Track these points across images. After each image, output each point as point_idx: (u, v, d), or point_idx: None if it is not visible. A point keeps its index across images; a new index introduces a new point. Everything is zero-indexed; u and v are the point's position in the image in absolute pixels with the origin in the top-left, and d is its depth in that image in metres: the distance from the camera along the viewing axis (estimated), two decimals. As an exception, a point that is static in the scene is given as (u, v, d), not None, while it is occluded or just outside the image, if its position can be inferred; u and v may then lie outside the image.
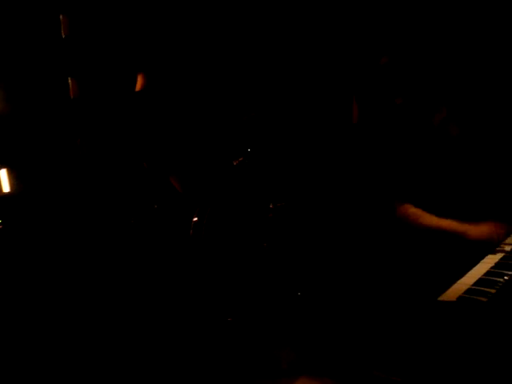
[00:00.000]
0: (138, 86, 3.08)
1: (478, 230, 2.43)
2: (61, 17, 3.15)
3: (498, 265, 2.25)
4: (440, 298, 1.94)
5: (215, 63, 3.32)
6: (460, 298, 1.94)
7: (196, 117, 3.11)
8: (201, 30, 3.33)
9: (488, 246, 2.37)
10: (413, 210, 2.59)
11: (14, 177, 3.07)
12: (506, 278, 2.08)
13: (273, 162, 3.02)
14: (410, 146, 2.66)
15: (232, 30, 3.37)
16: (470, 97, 2.74)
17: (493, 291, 1.97)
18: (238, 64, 3.37)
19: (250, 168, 2.86)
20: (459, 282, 2.12)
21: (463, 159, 2.67)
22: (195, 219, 2.82)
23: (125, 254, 2.98)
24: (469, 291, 2.00)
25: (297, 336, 2.52)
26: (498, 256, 2.35)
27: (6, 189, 3.05)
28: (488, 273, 2.18)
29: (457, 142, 2.68)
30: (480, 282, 2.09)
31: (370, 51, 3.06)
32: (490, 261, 2.31)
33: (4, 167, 3.05)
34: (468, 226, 2.46)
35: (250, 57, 3.39)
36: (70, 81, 3.16)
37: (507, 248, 2.44)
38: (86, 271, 2.97)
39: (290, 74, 3.41)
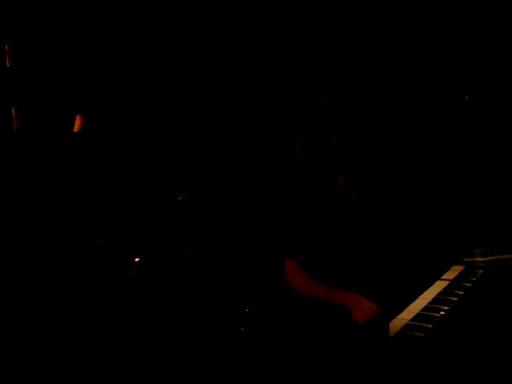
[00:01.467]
0: (77, 127, 3.05)
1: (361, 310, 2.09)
2: (6, 46, 3.12)
3: (435, 300, 2.32)
4: (379, 334, 1.98)
5: (151, 105, 3.34)
6: (398, 333, 1.99)
7: (136, 156, 3.11)
8: (136, 75, 3.35)
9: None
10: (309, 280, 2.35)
11: None
12: (442, 312, 2.15)
13: (218, 197, 3.03)
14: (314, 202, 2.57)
15: (163, 77, 3.41)
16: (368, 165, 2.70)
17: (429, 326, 2.03)
18: (178, 107, 3.40)
19: (195, 202, 2.87)
20: (398, 317, 2.17)
21: (387, 214, 2.65)
22: (137, 259, 2.79)
23: (65, 290, 2.91)
24: (407, 326, 2.05)
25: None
26: (436, 291, 2.42)
27: None
28: (426, 308, 2.24)
29: (356, 208, 2.56)
30: (418, 317, 2.14)
31: (311, 90, 3.16)
32: (428, 296, 2.38)
33: None
34: (357, 300, 2.15)
35: (188, 99, 3.43)
36: (13, 111, 3.11)
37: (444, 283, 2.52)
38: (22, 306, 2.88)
39: (237, 113, 3.47)
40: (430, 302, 2.29)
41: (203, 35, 3.44)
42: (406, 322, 2.09)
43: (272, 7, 3.48)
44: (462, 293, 2.37)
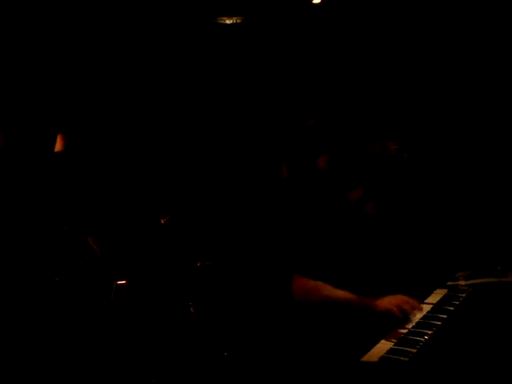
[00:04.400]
0: (58, 147, 3.04)
1: (386, 301, 2.35)
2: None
3: (418, 324, 2.32)
4: (363, 359, 1.97)
5: (133, 125, 3.35)
6: (382, 357, 1.98)
7: (118, 177, 3.10)
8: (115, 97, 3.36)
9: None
10: (313, 283, 2.47)
11: None
12: (426, 337, 2.14)
13: (201, 220, 3.03)
14: (324, 217, 2.64)
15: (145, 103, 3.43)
16: (386, 178, 2.77)
17: (414, 351, 2.02)
18: (160, 131, 3.41)
19: (177, 226, 2.85)
20: (382, 341, 2.16)
21: (375, 238, 2.69)
22: (117, 282, 2.77)
23: (47, 312, 2.87)
24: (391, 351, 2.04)
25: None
26: (419, 315, 2.42)
27: None
28: (409, 332, 2.23)
29: (371, 220, 2.67)
30: (402, 341, 2.14)
31: (298, 115, 3.19)
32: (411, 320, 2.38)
33: None
34: (374, 299, 2.38)
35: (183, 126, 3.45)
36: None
37: (427, 307, 2.52)
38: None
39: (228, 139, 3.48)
40: (413, 326, 2.29)
41: (184, 60, 3.47)
42: (391, 346, 2.09)
43: (257, 35, 3.53)
44: (445, 317, 2.38)
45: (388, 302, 2.35)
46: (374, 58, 3.52)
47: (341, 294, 2.42)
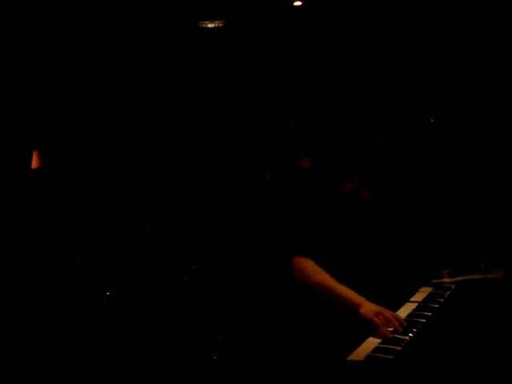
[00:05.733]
0: (34, 164, 3.02)
1: (369, 309, 2.29)
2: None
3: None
4: (349, 358, 1.99)
5: (112, 131, 3.34)
6: (368, 356, 2.00)
7: (95, 191, 3.10)
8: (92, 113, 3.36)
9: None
10: (311, 264, 2.48)
11: None
12: (410, 335, 2.17)
13: (186, 226, 3.03)
14: (320, 206, 2.70)
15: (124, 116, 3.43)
16: (381, 164, 2.85)
17: (399, 348, 2.04)
18: (141, 138, 3.41)
19: (162, 233, 2.86)
20: (368, 340, 2.18)
21: (372, 223, 2.75)
22: (108, 293, 2.77)
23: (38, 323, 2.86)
24: (376, 349, 2.06)
25: None
26: (405, 313, 2.45)
27: None
28: (394, 330, 2.25)
29: (367, 206, 2.74)
30: (387, 340, 2.16)
31: (279, 118, 3.21)
32: (397, 318, 2.40)
33: None
34: (362, 301, 2.33)
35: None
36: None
37: (412, 306, 2.55)
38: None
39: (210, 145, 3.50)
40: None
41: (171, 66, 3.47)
42: (376, 345, 2.11)
43: (239, 37, 3.54)
44: (429, 314, 2.40)
45: (371, 310, 2.29)
46: (354, 59, 3.55)
47: (332, 283, 2.41)
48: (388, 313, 2.27)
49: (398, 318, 2.27)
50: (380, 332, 2.21)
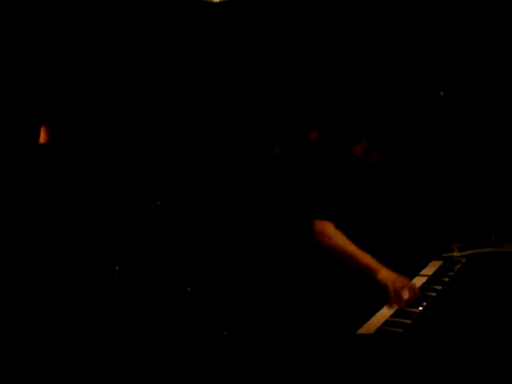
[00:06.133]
0: (42, 139, 3.02)
1: (386, 275, 2.34)
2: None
3: (414, 296, 2.34)
4: (359, 331, 2.00)
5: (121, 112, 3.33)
6: (378, 330, 2.01)
7: (105, 165, 3.09)
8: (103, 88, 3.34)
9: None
10: (330, 227, 2.53)
11: None
12: (420, 308, 2.17)
13: (195, 202, 3.03)
14: (333, 173, 2.73)
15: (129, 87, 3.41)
16: (387, 130, 2.89)
17: (409, 322, 2.05)
18: (151, 111, 3.40)
19: (171, 210, 2.86)
20: (378, 313, 2.20)
21: (383, 186, 2.78)
22: (117, 267, 2.78)
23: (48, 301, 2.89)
24: (386, 323, 2.07)
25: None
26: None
27: None
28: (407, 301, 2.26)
29: (377, 170, 2.78)
30: (397, 313, 2.17)
31: (287, 92, 3.18)
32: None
33: None
34: (380, 268, 2.38)
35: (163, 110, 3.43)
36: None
37: (423, 279, 2.55)
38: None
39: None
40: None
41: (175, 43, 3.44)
42: (386, 318, 2.12)
43: (245, 11, 3.50)
44: (439, 288, 2.40)
45: (389, 276, 2.34)
46: (363, 29, 3.50)
47: (351, 248, 2.46)
48: (404, 282, 2.31)
49: (412, 287, 2.30)
50: (392, 300, 2.24)
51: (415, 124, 3.35)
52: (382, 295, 2.33)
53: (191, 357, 2.67)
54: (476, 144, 3.52)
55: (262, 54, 3.49)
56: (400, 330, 1.98)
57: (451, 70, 3.54)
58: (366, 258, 2.41)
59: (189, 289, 2.74)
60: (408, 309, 2.19)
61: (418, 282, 2.52)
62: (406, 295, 2.25)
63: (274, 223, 2.80)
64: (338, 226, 2.54)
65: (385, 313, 2.19)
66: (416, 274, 2.65)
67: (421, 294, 2.32)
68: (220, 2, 3.36)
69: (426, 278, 2.57)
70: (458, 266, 2.70)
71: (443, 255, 2.91)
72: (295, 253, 2.68)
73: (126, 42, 3.46)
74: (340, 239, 2.49)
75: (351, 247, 2.46)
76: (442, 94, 3.62)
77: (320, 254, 2.56)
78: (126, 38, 3.45)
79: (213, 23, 3.47)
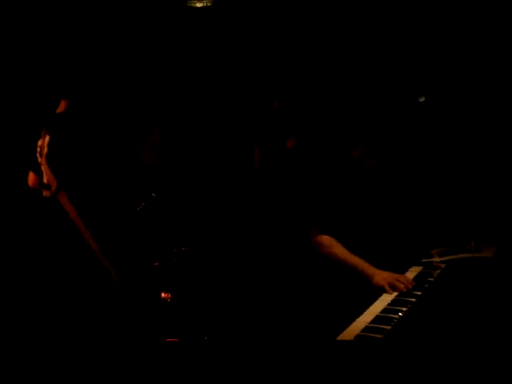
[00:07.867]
0: (60, 108, 3.01)
1: (381, 278, 2.51)
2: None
3: (394, 302, 2.35)
4: (339, 338, 1.99)
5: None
6: (357, 336, 2.00)
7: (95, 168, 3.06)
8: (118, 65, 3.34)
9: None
10: (326, 238, 2.67)
11: None
12: (400, 314, 2.18)
13: (177, 207, 3.01)
14: (329, 177, 2.78)
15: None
16: (385, 134, 2.93)
17: (388, 328, 2.05)
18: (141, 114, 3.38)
19: (153, 213, 2.84)
20: (358, 320, 2.19)
21: (378, 190, 2.83)
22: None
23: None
24: (366, 329, 2.07)
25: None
26: (395, 293, 2.46)
27: None
28: (385, 310, 2.26)
29: (372, 172, 2.87)
30: (377, 319, 2.17)
31: (263, 100, 3.19)
32: (386, 298, 2.41)
33: None
34: (375, 271, 2.55)
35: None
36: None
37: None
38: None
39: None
40: (388, 304, 2.32)
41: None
42: (366, 324, 2.11)
43: (224, 17, 3.50)
44: (419, 293, 2.41)
45: (383, 278, 2.49)
46: (343, 35, 3.51)
47: (346, 255, 2.63)
48: (395, 275, 2.51)
49: (405, 277, 2.52)
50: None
51: (398, 134, 3.38)
52: (362, 301, 2.34)
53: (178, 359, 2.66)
54: (456, 151, 3.55)
55: (240, 60, 3.50)
56: (380, 336, 1.97)
57: (443, 75, 3.57)
58: (361, 264, 2.59)
59: (165, 294, 2.72)
60: (388, 314, 2.19)
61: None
62: (400, 286, 2.44)
63: (262, 231, 2.82)
64: (324, 230, 2.67)
65: (364, 319, 2.19)
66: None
67: (400, 300, 2.33)
68: (202, 8, 3.35)
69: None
70: (438, 272, 2.71)
71: (423, 261, 2.92)
72: (279, 258, 2.70)
73: (111, 46, 3.45)
74: (336, 249, 2.64)
75: (347, 255, 2.62)
76: (422, 100, 3.64)
77: (303, 261, 2.60)
78: (110, 42, 3.44)
79: (190, 29, 3.47)
